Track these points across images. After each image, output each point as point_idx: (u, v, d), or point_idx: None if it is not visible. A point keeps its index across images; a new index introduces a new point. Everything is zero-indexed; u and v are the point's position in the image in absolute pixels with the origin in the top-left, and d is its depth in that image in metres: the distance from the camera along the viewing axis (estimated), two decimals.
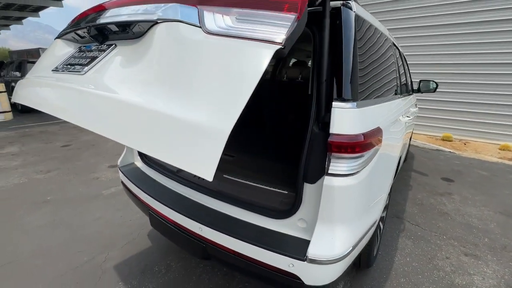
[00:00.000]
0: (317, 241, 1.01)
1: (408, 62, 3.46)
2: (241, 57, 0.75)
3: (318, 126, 0.99)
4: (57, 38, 1.46)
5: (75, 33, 1.27)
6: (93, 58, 1.11)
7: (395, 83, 1.72)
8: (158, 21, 0.97)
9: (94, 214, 2.49)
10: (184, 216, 1.27)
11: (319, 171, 0.98)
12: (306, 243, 1.02)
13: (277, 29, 0.74)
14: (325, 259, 0.99)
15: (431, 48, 5.90)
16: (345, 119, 0.96)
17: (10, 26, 23.77)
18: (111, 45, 1.13)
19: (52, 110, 1.02)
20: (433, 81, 3.32)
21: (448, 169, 4.04)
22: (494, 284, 1.78)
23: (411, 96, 3.02)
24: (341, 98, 0.98)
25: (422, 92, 3.48)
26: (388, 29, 2.11)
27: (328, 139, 0.94)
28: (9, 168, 3.62)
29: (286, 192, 1.39)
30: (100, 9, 1.21)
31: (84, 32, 1.21)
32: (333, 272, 1.04)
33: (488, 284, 1.78)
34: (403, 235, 2.30)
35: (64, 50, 1.35)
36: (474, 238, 2.30)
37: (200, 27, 0.87)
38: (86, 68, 1.07)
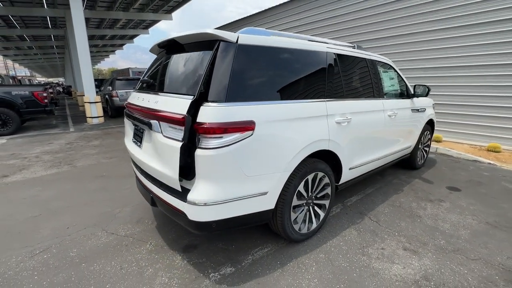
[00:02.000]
0: (193, 191, 1.59)
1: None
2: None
3: (195, 118, 1.57)
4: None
5: None
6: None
7: (308, 89, 2.03)
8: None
9: (126, 185, 3.52)
10: (147, 180, 2.01)
11: (194, 146, 1.56)
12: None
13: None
14: (196, 202, 1.55)
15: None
16: (206, 113, 1.52)
17: (115, 51, 30.38)
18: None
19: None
20: (425, 85, 3.27)
21: (466, 179, 3.71)
22: (411, 273, 1.90)
23: (394, 100, 3.11)
24: (209, 100, 1.55)
25: (418, 96, 3.42)
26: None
27: (194, 125, 1.52)
28: (89, 154, 5.16)
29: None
30: None
31: None
32: (204, 213, 1.58)
33: (404, 273, 1.91)
34: (353, 227, 2.50)
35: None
36: (429, 239, 2.32)
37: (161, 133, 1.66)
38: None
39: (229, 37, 1.66)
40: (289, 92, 1.92)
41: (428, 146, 4.25)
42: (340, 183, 2.54)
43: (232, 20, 12.38)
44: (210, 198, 1.57)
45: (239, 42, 1.69)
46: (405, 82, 3.41)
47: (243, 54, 1.70)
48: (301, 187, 2.07)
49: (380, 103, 2.81)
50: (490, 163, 4.49)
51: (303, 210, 2.20)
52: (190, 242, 2.27)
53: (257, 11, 10.56)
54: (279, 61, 1.90)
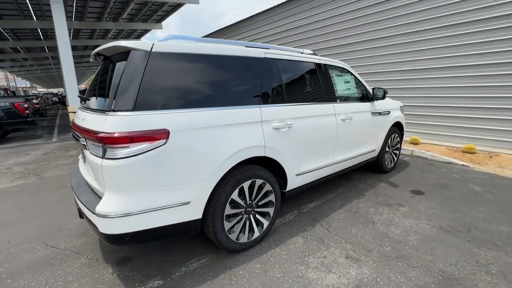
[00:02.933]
0: (101, 202, 1.54)
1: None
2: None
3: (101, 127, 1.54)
4: None
5: None
6: None
7: (229, 95, 1.97)
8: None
9: None
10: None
11: (101, 156, 1.52)
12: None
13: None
14: (102, 214, 1.50)
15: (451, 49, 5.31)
16: (110, 122, 1.49)
17: None
18: None
19: None
20: (381, 88, 3.24)
21: (433, 182, 3.64)
22: (344, 283, 1.83)
23: (349, 104, 3.07)
24: (115, 110, 1.52)
25: (376, 99, 3.38)
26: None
27: (98, 135, 1.49)
28: (61, 165, 5.12)
29: None
30: None
31: None
32: (113, 225, 1.53)
33: (337, 283, 1.84)
34: (302, 235, 2.43)
35: None
36: (375, 245, 2.25)
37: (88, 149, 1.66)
38: None
39: (141, 46, 1.64)
40: (215, 98, 1.89)
41: (398, 149, 4.19)
42: (287, 190, 2.49)
43: (219, 28, 12.51)
44: (118, 210, 1.52)
45: (153, 50, 1.67)
46: (364, 86, 3.38)
47: (158, 61, 1.67)
48: (235, 195, 2.02)
49: (331, 107, 2.77)
50: (463, 165, 4.42)
51: (241, 219, 2.14)
52: (127, 254, 2.20)
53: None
54: (203, 68, 1.87)
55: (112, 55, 1.89)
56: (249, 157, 2.03)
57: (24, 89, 40.63)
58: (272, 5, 9.24)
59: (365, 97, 3.42)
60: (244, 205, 2.13)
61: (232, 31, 11.36)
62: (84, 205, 1.68)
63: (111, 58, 1.90)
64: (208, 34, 13.31)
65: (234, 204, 2.06)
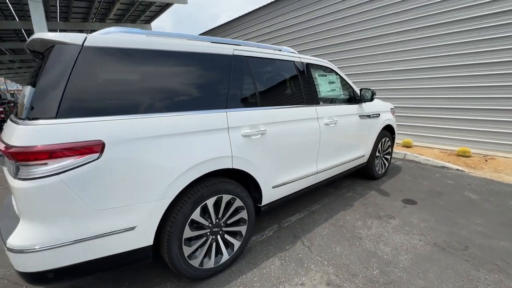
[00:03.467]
0: (16, 232, 1.23)
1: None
2: None
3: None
4: None
5: None
6: None
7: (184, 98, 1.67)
8: None
9: None
10: None
11: (14, 175, 1.22)
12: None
13: None
14: (15, 248, 1.20)
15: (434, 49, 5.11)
16: (20, 133, 1.19)
17: None
18: None
19: None
20: (369, 89, 2.98)
21: (426, 190, 3.39)
22: None
23: (334, 106, 2.81)
24: (30, 117, 1.22)
25: (364, 101, 3.13)
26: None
27: (8, 149, 1.18)
28: None
29: None
30: None
31: None
32: (30, 262, 1.22)
33: None
34: (279, 256, 2.14)
35: None
36: (361, 268, 1.97)
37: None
38: None
39: (70, 40, 1.34)
40: (168, 102, 1.60)
41: (389, 153, 3.94)
42: (263, 204, 2.21)
43: (212, 28, 12.23)
44: (36, 242, 1.22)
45: (86, 44, 1.37)
46: (351, 87, 3.12)
47: (93, 58, 1.38)
48: (196, 215, 1.72)
49: (313, 110, 2.50)
50: (458, 169, 4.20)
51: (205, 241, 1.84)
52: (76, 284, 1.89)
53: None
54: (154, 66, 1.58)
55: (45, 51, 1.59)
56: (213, 170, 1.75)
57: (14, 92, 39.70)
58: (262, 4, 9.02)
59: (352, 99, 3.16)
60: (209, 225, 1.83)
61: (224, 30, 11.10)
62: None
63: (44, 54, 1.59)
64: (203, 33, 13.02)
65: (196, 225, 1.77)
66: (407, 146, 5.40)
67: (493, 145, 4.75)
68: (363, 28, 6.23)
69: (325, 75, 2.87)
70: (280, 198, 2.34)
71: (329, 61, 3.01)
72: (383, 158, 3.83)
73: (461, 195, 3.23)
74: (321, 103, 2.67)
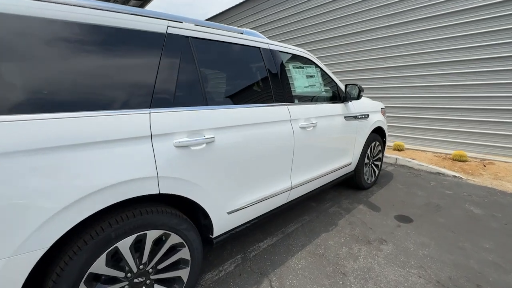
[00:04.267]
0: None
1: None
2: None
3: None
4: None
5: None
6: None
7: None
8: None
9: None
10: None
11: None
12: None
13: None
14: None
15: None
16: None
17: None
18: None
19: None
20: (355, 84, 2.47)
21: (423, 203, 2.92)
22: None
23: (313, 105, 2.27)
24: None
25: (350, 100, 2.63)
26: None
27: None
28: None
29: None
30: None
31: None
32: None
33: None
34: None
35: None
36: None
37: None
38: None
39: None
40: (47, 98, 1.03)
41: (380, 159, 3.47)
42: (216, 235, 1.66)
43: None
44: None
45: None
46: (334, 83, 2.61)
47: None
48: (99, 267, 1.15)
49: (285, 110, 1.97)
50: (455, 176, 3.77)
51: None
52: None
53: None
54: (30, 42, 1.01)
55: None
56: (126, 199, 1.19)
57: None
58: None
59: (336, 96, 2.65)
60: (128, 275, 1.27)
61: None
62: None
63: None
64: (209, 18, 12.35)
65: (104, 279, 1.21)
66: (399, 149, 4.96)
67: (491, 148, 4.36)
68: (349, 22, 5.77)
69: (302, 67, 2.35)
70: (241, 225, 1.80)
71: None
72: (373, 165, 3.35)
73: (463, 209, 2.77)
74: (296, 101, 2.14)
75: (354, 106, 2.77)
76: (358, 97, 2.53)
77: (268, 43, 2.03)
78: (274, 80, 1.96)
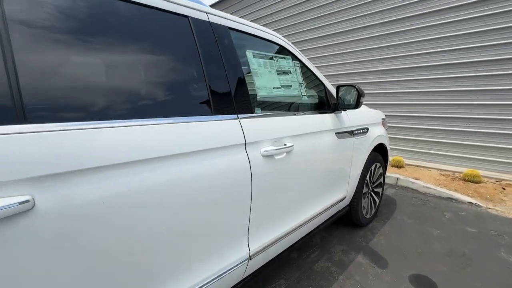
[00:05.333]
0: None
1: None
2: None
3: None
4: None
5: None
6: None
7: None
8: None
9: None
10: None
11: None
12: None
13: None
14: None
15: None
16: None
17: None
18: None
19: None
20: (353, 86, 1.66)
21: (444, 251, 2.13)
22: None
23: (287, 118, 1.44)
24: None
25: (344, 108, 1.83)
26: None
27: None
28: None
29: None
30: None
31: None
32: None
33: None
34: None
35: None
36: None
37: None
38: None
39: None
40: None
41: (381, 185, 2.68)
42: None
43: None
44: None
45: None
46: (321, 83, 1.80)
47: None
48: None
49: (234, 127, 1.12)
50: (471, 203, 3.02)
51: None
52: None
53: None
54: None
55: None
56: None
57: None
58: None
59: (324, 103, 1.84)
60: None
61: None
62: None
63: None
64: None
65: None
66: (398, 165, 4.22)
67: (506, 165, 3.67)
68: (338, 19, 5.07)
69: (271, 59, 1.52)
70: None
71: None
72: (372, 194, 2.55)
73: (499, 261, 1.99)
74: (257, 111, 1.30)
75: (349, 117, 1.97)
76: (357, 105, 1.71)
77: (209, 13, 1.18)
78: (214, 75, 1.12)
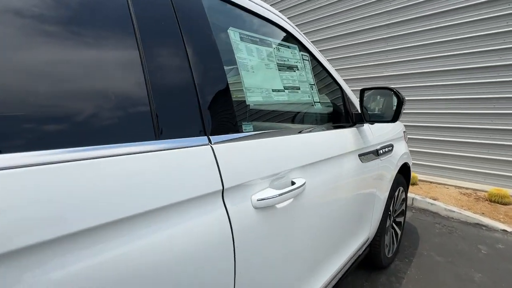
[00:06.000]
0: None
1: None
2: None
3: None
4: None
5: None
6: None
7: None
8: None
9: None
10: None
11: None
12: None
13: None
14: None
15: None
16: None
17: None
18: None
19: None
20: (390, 88, 1.16)
21: None
22: None
23: (282, 139, 0.92)
24: None
25: (371, 121, 1.33)
26: None
27: None
28: None
29: None
30: None
31: None
32: None
33: None
34: None
35: None
36: None
37: None
38: None
39: None
40: None
41: (403, 213, 2.17)
42: None
43: None
44: None
45: None
46: (339, 86, 1.30)
47: None
48: None
49: (204, 159, 0.60)
50: (506, 231, 2.53)
51: None
52: None
53: None
54: None
55: None
56: None
57: None
58: None
59: (340, 113, 1.33)
60: None
61: None
62: None
63: None
64: None
65: None
66: (411, 182, 3.73)
67: None
68: (347, 19, 4.65)
69: (268, 46, 1.01)
70: None
71: None
72: (394, 226, 2.05)
73: None
74: (245, 128, 0.79)
75: (372, 131, 1.47)
76: (396, 117, 1.20)
77: None
78: (162, 65, 0.60)
